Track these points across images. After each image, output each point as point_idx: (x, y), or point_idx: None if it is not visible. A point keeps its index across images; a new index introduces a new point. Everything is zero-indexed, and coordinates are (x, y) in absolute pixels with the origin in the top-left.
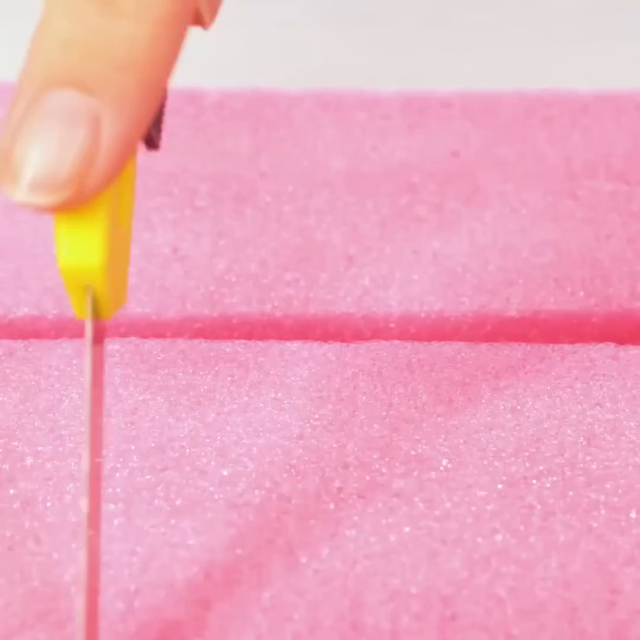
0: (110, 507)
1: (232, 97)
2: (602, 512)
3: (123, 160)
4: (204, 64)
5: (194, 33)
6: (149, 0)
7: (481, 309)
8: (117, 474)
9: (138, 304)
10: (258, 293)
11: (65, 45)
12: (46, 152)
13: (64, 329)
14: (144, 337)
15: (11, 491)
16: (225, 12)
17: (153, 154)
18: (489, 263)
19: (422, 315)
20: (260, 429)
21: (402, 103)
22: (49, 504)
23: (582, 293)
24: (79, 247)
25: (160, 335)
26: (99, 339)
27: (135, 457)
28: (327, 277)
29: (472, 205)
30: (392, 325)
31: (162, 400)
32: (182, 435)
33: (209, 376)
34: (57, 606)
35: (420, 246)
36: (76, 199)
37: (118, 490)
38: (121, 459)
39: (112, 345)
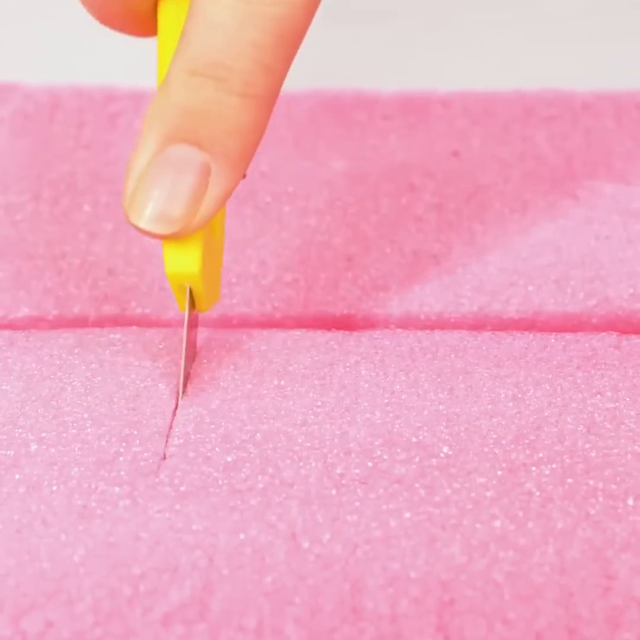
0: (115, 490)
1: None
2: (600, 499)
3: (224, 202)
4: None
5: None
6: (254, 82)
7: (481, 310)
8: (121, 458)
9: (138, 305)
10: (258, 294)
11: (186, 112)
12: (164, 195)
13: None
14: None
15: (17, 476)
16: None
17: None
18: (489, 264)
19: (422, 316)
20: (264, 415)
21: (402, 103)
22: (54, 488)
23: (582, 294)
24: (182, 257)
25: None
26: (193, 325)
27: (137, 441)
28: (326, 277)
29: (472, 206)
30: (392, 326)
31: (164, 386)
32: (186, 422)
33: (213, 364)
34: (67, 586)
35: (420, 247)
36: (184, 232)
37: (122, 473)
38: (124, 444)
39: (113, 335)
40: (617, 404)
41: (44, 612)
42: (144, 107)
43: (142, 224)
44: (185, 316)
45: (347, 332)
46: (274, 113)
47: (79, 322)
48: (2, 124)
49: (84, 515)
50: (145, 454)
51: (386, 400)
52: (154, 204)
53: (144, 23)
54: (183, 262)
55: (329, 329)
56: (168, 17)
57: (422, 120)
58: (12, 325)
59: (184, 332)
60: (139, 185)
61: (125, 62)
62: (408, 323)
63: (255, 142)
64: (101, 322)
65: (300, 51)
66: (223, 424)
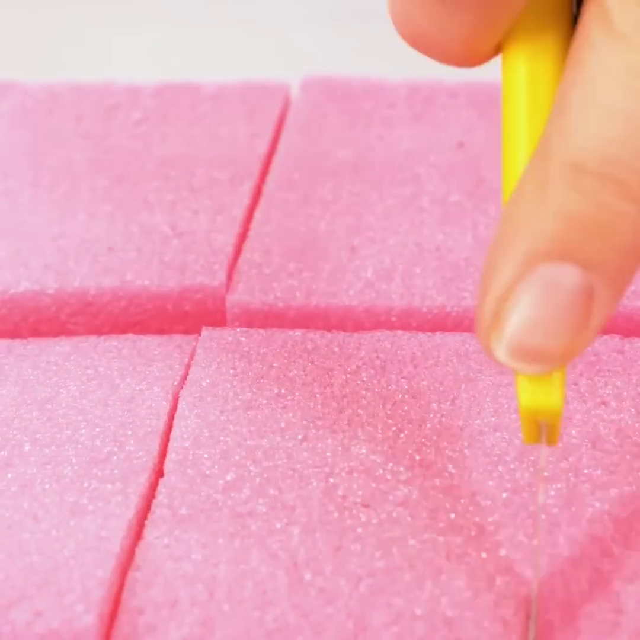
0: (107, 487)
1: (229, 87)
2: (607, 524)
3: (600, 330)
4: (203, 64)
5: (197, 35)
6: None
7: None
8: (115, 457)
9: (138, 277)
10: (260, 283)
11: (569, 221)
12: (531, 325)
13: (64, 304)
14: (145, 309)
15: (9, 475)
16: (226, 12)
17: (146, 142)
18: None
19: (424, 309)
20: (264, 429)
21: (408, 92)
22: (47, 486)
23: None
24: (541, 391)
25: (160, 307)
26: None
27: (132, 441)
28: (330, 268)
29: (476, 198)
30: (393, 318)
31: (159, 389)
32: (184, 435)
33: (211, 368)
34: (57, 578)
35: (424, 239)
36: (553, 370)
37: (115, 471)
38: (118, 443)
39: (109, 342)
40: (621, 415)
41: (32, 603)
42: (141, 101)
43: (501, 356)
44: (542, 453)
45: (347, 334)
46: (274, 100)
47: (80, 296)
48: (1, 118)
49: (75, 512)
50: (140, 453)
51: (388, 412)
52: (519, 334)
53: (481, 60)
54: (543, 397)
55: (329, 322)
56: (516, 66)
57: (427, 110)
58: (13, 300)
59: (540, 476)
60: (500, 309)
61: (122, 60)
62: (409, 316)
63: None
64: (102, 295)
65: (303, 51)
66: (222, 438)
